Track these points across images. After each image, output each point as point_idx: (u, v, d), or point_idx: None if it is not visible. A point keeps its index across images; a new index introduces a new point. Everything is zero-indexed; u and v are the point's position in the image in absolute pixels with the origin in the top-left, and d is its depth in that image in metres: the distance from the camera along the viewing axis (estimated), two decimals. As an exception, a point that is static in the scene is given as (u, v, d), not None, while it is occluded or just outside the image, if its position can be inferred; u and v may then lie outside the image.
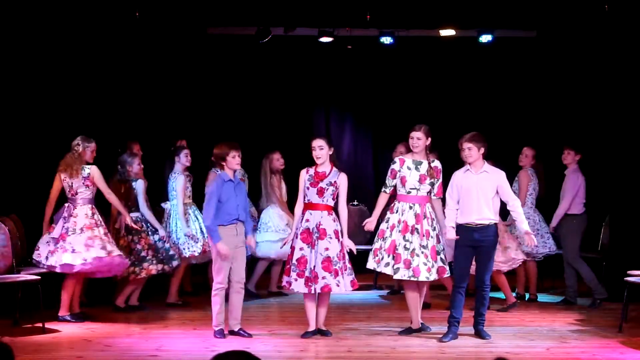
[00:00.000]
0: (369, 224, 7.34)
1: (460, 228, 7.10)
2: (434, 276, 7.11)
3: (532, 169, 9.10)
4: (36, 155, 8.76)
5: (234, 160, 7.14)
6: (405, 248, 7.10)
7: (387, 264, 7.15)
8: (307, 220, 7.13)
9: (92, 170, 7.77)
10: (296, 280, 7.06)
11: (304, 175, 7.22)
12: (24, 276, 7.42)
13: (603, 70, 10.31)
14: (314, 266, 7.02)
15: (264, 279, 9.39)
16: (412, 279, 7.08)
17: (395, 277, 7.16)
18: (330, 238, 7.06)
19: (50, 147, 8.67)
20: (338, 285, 7.02)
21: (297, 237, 7.15)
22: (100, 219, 7.80)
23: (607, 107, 10.31)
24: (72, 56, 9.47)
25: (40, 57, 9.07)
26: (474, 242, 7.02)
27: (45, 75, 9.15)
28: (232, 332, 7.18)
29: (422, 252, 7.08)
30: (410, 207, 7.18)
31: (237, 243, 7.11)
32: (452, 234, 7.06)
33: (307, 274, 7.03)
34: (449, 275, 7.28)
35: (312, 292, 7.05)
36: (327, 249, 7.03)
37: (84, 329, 7.41)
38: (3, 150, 8.57)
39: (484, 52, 11.26)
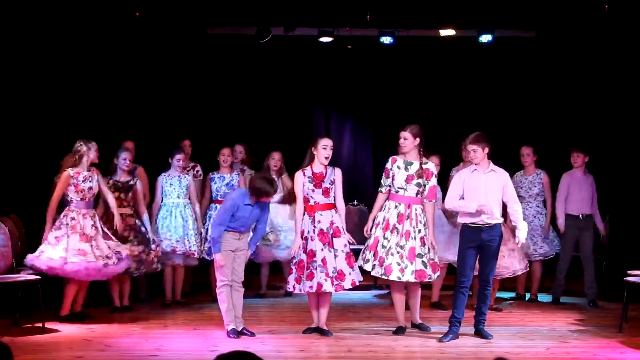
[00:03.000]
0: (366, 226, 7.34)
1: (466, 228, 7.09)
2: (407, 277, 7.06)
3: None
4: (36, 155, 8.77)
5: (268, 198, 7.12)
6: (383, 246, 7.13)
7: (367, 261, 7.20)
8: (319, 222, 7.15)
9: (100, 178, 7.85)
10: (325, 280, 7.06)
11: (302, 178, 7.23)
12: (24, 276, 7.41)
13: (603, 70, 10.32)
14: (336, 264, 7.07)
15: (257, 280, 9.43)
16: (383, 277, 7.14)
17: (372, 274, 7.23)
18: (344, 234, 7.17)
19: (50, 147, 8.68)
20: (358, 276, 7.21)
21: (312, 239, 7.12)
22: (98, 223, 7.75)
23: (607, 107, 10.32)
24: (72, 56, 9.48)
25: (41, 58, 9.08)
26: (480, 243, 7.02)
27: (46, 75, 9.16)
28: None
29: (398, 252, 7.07)
30: (395, 207, 7.19)
31: (239, 246, 7.15)
32: (475, 205, 6.94)
33: (330, 274, 7.06)
34: (431, 279, 7.30)
35: (339, 290, 7.13)
36: (346, 245, 7.14)
37: (84, 329, 7.40)
38: (3, 150, 8.57)
39: (484, 52, 11.26)
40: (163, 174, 8.69)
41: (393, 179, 7.22)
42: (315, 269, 7.07)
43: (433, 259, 7.18)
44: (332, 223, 7.15)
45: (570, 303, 8.92)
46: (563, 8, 10.06)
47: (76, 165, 7.68)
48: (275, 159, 9.20)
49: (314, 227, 7.14)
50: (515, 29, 11.10)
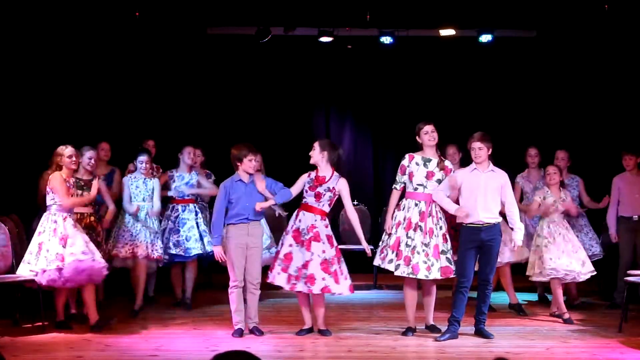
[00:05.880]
0: (386, 224, 7.32)
1: (465, 228, 7.09)
2: (434, 275, 7.08)
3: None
4: (36, 156, 8.76)
5: (250, 163, 7.16)
6: (407, 245, 7.09)
7: (391, 261, 7.16)
8: (300, 220, 7.19)
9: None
10: (279, 274, 7.13)
11: (304, 179, 7.28)
12: (24, 276, 7.39)
13: (603, 70, 10.33)
14: (302, 265, 7.06)
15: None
16: (410, 276, 7.08)
17: (396, 273, 7.14)
18: (324, 242, 7.11)
19: (50, 148, 8.65)
20: (338, 285, 7.09)
21: (287, 234, 7.23)
22: (78, 225, 7.48)
23: (606, 107, 10.34)
24: (72, 57, 9.49)
25: (41, 58, 9.09)
26: (480, 242, 7.02)
27: (46, 76, 9.17)
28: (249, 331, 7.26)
29: (423, 250, 7.06)
30: (416, 205, 7.17)
31: (249, 243, 7.13)
32: (463, 210, 6.98)
33: (290, 271, 7.09)
34: (454, 275, 7.24)
35: (297, 290, 7.12)
36: (324, 251, 7.08)
37: (84, 329, 7.38)
38: (3, 150, 8.57)
39: (484, 52, 11.26)
40: (129, 176, 8.45)
41: (411, 177, 7.20)
42: (276, 261, 7.16)
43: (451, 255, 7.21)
44: (312, 227, 7.13)
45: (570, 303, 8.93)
46: (563, 8, 10.06)
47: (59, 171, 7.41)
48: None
49: (293, 223, 7.22)
50: (516, 29, 11.09)
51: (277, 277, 7.15)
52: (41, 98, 9.13)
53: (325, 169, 7.24)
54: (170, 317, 8.09)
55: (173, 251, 8.53)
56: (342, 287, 7.10)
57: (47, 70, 9.18)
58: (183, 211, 8.68)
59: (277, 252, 7.29)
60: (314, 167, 7.33)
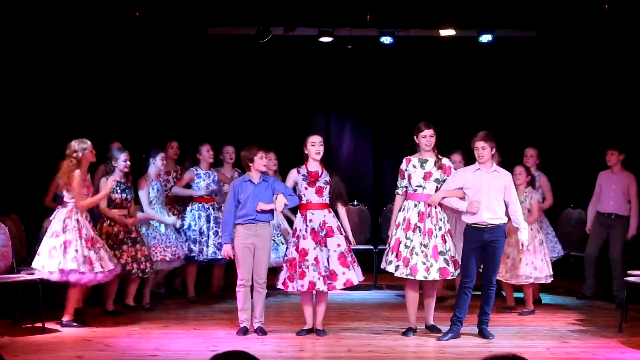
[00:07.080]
0: (390, 230, 7.35)
1: (469, 228, 7.09)
2: (433, 276, 7.06)
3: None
4: (36, 156, 8.77)
5: (261, 161, 7.17)
6: (406, 246, 7.09)
7: (390, 262, 7.17)
8: (311, 221, 7.18)
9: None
10: (318, 279, 7.08)
11: (295, 175, 7.28)
12: (24, 276, 7.40)
13: (603, 70, 10.32)
14: (328, 264, 7.09)
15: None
16: (409, 277, 7.08)
17: (396, 274, 7.14)
18: (338, 235, 7.18)
19: (50, 147, 8.67)
20: (355, 275, 7.20)
21: (304, 238, 7.15)
22: (85, 225, 7.46)
23: (606, 107, 10.33)
24: (72, 57, 9.49)
25: (41, 58, 9.09)
26: (483, 243, 7.02)
27: (46, 75, 9.16)
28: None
29: (422, 251, 7.06)
30: (415, 205, 7.17)
31: (256, 243, 7.13)
32: (474, 205, 6.98)
33: (323, 272, 7.08)
34: (453, 276, 7.23)
35: (331, 289, 7.16)
36: (339, 245, 7.14)
37: (84, 329, 7.39)
38: (3, 150, 8.57)
39: (484, 52, 11.25)
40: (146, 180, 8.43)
41: (410, 179, 7.21)
42: (307, 267, 7.09)
43: (454, 256, 7.17)
44: (324, 223, 7.17)
45: (570, 303, 8.93)
46: (563, 8, 10.06)
47: (78, 168, 7.41)
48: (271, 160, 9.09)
49: (306, 225, 7.18)
50: (515, 29, 11.09)
51: (318, 283, 7.04)
52: (40, 98, 9.12)
53: (317, 164, 7.28)
54: (170, 317, 8.09)
55: (220, 256, 8.49)
56: (358, 274, 7.23)
57: (45, 70, 9.17)
58: (214, 210, 8.81)
59: (300, 260, 7.11)
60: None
